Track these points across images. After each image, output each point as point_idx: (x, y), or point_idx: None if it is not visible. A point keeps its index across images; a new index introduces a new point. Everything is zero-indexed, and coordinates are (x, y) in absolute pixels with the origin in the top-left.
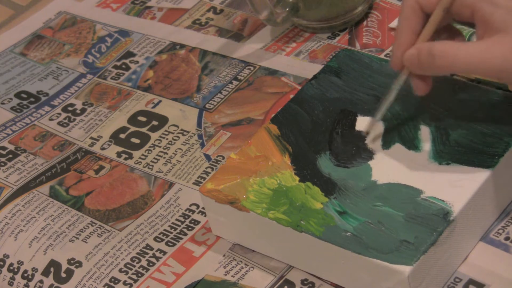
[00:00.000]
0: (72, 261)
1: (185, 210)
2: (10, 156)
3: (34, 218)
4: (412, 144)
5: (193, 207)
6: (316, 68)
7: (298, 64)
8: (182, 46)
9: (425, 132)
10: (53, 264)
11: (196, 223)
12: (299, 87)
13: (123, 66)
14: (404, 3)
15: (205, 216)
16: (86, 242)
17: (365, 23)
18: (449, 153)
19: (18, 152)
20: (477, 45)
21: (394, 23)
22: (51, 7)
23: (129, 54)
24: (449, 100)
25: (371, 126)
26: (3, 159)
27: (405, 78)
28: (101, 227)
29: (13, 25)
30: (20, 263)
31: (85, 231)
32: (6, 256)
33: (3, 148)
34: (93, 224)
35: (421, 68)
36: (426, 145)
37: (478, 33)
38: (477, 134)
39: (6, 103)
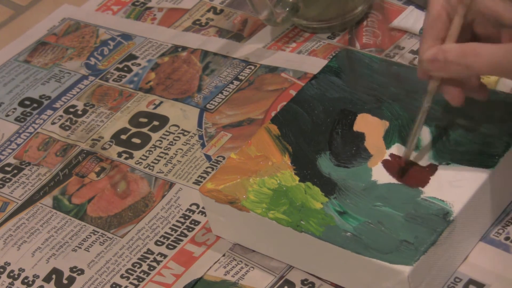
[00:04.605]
0: (74, 269)
1: (186, 211)
2: (15, 171)
3: (38, 231)
4: None
5: (193, 207)
6: (315, 61)
7: (297, 59)
8: (184, 48)
9: (425, 132)
10: (55, 272)
11: (196, 223)
12: (299, 82)
13: (125, 69)
14: (431, 10)
15: (205, 216)
16: (89, 251)
17: (365, 23)
18: (449, 153)
19: (23, 167)
20: (506, 45)
21: (394, 23)
22: (55, 15)
23: (131, 57)
24: None
25: (408, 154)
26: (8, 176)
27: (435, 90)
28: (103, 235)
29: (13, 25)
30: (21, 270)
31: (87, 240)
32: (7, 263)
33: (8, 164)
34: (95, 233)
35: (448, 68)
36: (426, 145)
37: (504, 38)
38: (477, 134)
39: (11, 114)
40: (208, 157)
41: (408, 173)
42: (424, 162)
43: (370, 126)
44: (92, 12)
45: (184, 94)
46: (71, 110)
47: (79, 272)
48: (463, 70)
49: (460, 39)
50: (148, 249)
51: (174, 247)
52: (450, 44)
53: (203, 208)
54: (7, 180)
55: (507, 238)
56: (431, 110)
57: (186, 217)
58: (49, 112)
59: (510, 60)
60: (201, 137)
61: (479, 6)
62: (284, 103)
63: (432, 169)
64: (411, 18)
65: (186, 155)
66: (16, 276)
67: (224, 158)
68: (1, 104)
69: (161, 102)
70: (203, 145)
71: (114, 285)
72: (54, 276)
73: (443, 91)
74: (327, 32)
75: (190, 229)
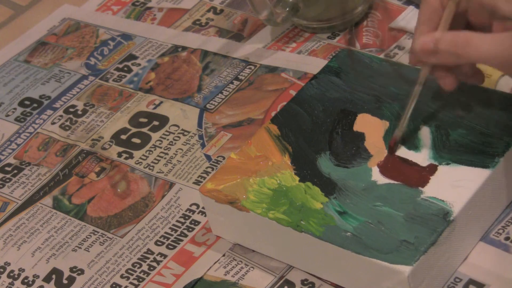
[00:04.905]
0: (74, 269)
1: (186, 211)
2: (15, 171)
3: (38, 231)
4: (412, 144)
5: (193, 207)
6: (315, 61)
7: (297, 59)
8: (184, 48)
9: (425, 132)
10: (55, 272)
11: (196, 223)
12: (299, 82)
13: (125, 69)
14: (426, 1)
15: (205, 216)
16: (89, 251)
17: (365, 23)
18: (449, 153)
19: (23, 167)
20: (498, 36)
21: (394, 23)
22: (55, 15)
23: (132, 57)
24: (449, 100)
25: (398, 135)
26: (8, 176)
27: (426, 75)
28: (103, 235)
29: (13, 25)
30: (21, 270)
31: (87, 240)
32: (7, 263)
33: (9, 165)
34: (96, 233)
35: (439, 56)
36: (426, 145)
37: (496, 29)
38: (477, 134)
39: (11, 114)
40: (208, 157)
41: (408, 173)
42: (424, 162)
43: (370, 126)
44: (92, 12)
45: (184, 94)
46: (71, 110)
47: (79, 272)
48: (454, 58)
49: (453, 27)
50: (148, 249)
51: (174, 247)
52: (442, 32)
53: (203, 208)
54: (7, 180)
55: (507, 238)
56: (431, 110)
57: (186, 217)
58: (49, 112)
59: (501, 50)
60: (201, 137)
61: None
62: (284, 103)
63: (432, 169)
64: (411, 18)
65: (186, 155)
66: (16, 276)
67: (224, 158)
68: (1, 104)
69: (161, 102)
70: (203, 145)
71: (114, 285)
72: (54, 276)
73: (435, 76)
74: (327, 32)
75: (190, 229)
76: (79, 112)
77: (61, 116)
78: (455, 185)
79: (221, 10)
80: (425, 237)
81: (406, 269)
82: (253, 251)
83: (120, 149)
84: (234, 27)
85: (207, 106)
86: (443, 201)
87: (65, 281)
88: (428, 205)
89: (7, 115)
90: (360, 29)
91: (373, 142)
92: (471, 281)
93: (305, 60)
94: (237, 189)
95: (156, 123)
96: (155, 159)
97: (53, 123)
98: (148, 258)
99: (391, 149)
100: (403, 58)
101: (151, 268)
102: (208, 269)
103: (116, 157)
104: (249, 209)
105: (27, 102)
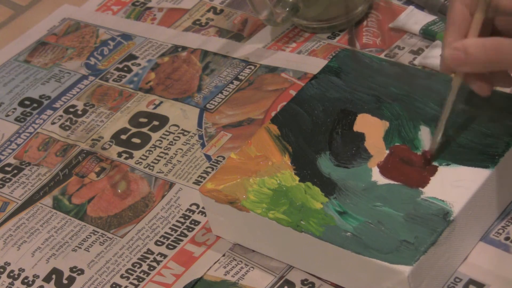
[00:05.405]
0: (74, 269)
1: (186, 211)
2: (15, 171)
3: (38, 231)
4: (412, 144)
5: (193, 207)
6: (315, 61)
7: (297, 59)
8: (184, 48)
9: (425, 132)
10: (55, 272)
11: (196, 223)
12: (299, 82)
13: (125, 69)
14: (453, 5)
15: (205, 216)
16: (89, 251)
17: (365, 23)
18: (449, 153)
19: (23, 167)
20: None
21: (394, 23)
22: (55, 15)
23: (131, 57)
24: None
25: (433, 145)
26: (8, 176)
27: (459, 84)
28: (103, 235)
29: (13, 25)
30: (21, 270)
31: (87, 240)
32: (7, 263)
33: (9, 165)
34: (96, 233)
35: (469, 63)
36: (426, 145)
37: None
38: (477, 134)
39: (11, 114)
40: (208, 157)
41: (408, 173)
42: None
43: (370, 126)
44: (92, 12)
45: (184, 94)
46: (71, 110)
47: (79, 272)
48: (484, 65)
49: (481, 34)
50: (148, 249)
51: (174, 247)
52: (471, 39)
53: (203, 208)
54: (7, 180)
55: (507, 238)
56: (431, 110)
57: (186, 217)
58: (49, 112)
59: None
60: (201, 137)
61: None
62: (284, 103)
63: (432, 169)
64: (411, 18)
65: (186, 155)
66: (16, 276)
67: (224, 158)
68: (1, 104)
69: (161, 102)
70: (203, 145)
71: (114, 285)
72: (54, 276)
73: (469, 83)
74: (327, 32)
75: (190, 229)
76: (79, 112)
77: (61, 116)
78: (455, 185)
79: (221, 10)
80: (425, 237)
81: (406, 269)
82: (253, 251)
83: (120, 149)
84: (234, 27)
85: (207, 106)
86: (443, 201)
87: (65, 281)
88: (428, 205)
89: (7, 115)
90: (360, 29)
91: (373, 143)
92: (471, 281)
93: (305, 60)
94: (237, 189)
95: (156, 123)
96: (155, 159)
97: (53, 123)
98: (148, 258)
99: (428, 161)
100: (403, 58)
101: (151, 268)
102: (208, 269)
103: (116, 157)
104: (249, 209)
105: (27, 102)
